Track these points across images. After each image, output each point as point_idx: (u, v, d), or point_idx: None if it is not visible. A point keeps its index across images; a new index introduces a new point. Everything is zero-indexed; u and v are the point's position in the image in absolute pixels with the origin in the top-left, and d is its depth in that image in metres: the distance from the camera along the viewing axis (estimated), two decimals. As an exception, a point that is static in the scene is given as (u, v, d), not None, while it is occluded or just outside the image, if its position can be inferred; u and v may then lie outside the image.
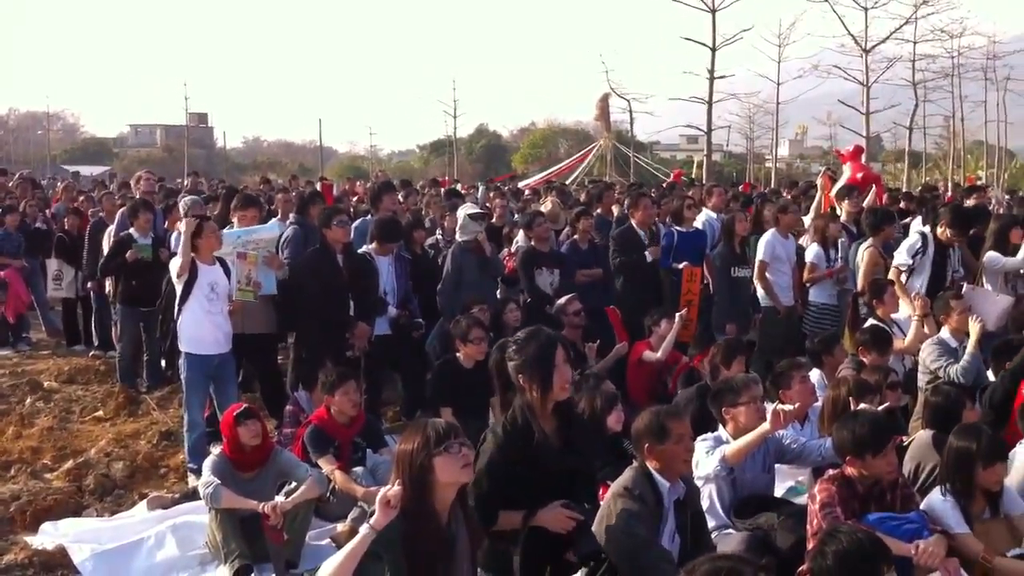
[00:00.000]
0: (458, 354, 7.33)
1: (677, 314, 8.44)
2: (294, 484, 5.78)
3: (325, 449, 6.26)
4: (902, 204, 14.09)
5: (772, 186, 27.77)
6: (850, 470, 4.63)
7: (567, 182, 26.79)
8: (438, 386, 7.28)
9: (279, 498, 5.68)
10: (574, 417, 4.56)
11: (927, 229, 8.75)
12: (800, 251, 9.77)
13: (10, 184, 14.78)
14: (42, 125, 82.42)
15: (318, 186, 18.11)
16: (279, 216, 10.36)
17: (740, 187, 22.51)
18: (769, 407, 5.38)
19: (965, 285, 8.12)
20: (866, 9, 36.00)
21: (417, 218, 10.95)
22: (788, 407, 5.13)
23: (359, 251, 8.34)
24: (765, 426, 5.05)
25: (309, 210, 9.12)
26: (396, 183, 16.18)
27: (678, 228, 9.88)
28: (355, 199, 16.22)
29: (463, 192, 18.07)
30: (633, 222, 9.74)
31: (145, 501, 6.65)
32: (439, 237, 10.82)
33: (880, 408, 5.44)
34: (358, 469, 6.27)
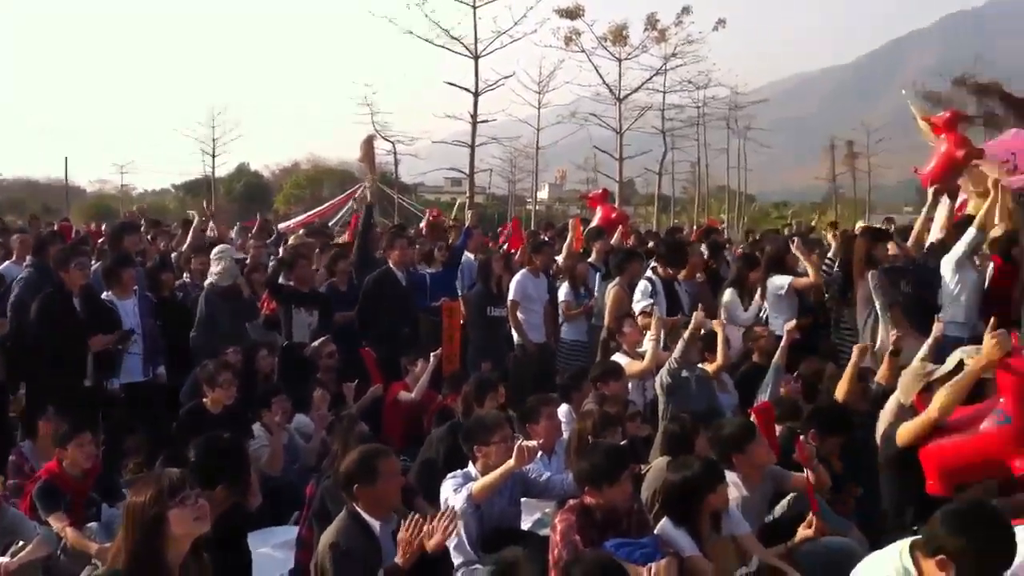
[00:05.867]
0: (205, 400, 7.07)
1: (432, 354, 8.50)
2: (21, 543, 5.40)
3: (56, 505, 5.85)
4: (650, 244, 14.78)
5: (532, 228, 28.51)
6: (589, 500, 4.80)
7: (330, 223, 26.48)
8: (182, 435, 6.95)
9: (3, 559, 5.28)
10: None
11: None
12: (553, 290, 10.09)
13: None
14: None
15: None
16: (14, 258, 9.74)
17: (501, 229, 22.93)
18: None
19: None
20: (620, 60, 38.17)
21: (165, 260, 10.53)
22: (532, 443, 5.27)
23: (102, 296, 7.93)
24: (510, 463, 5.16)
25: (47, 251, 8.61)
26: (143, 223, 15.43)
27: (429, 269, 10.00)
28: (101, 240, 15.35)
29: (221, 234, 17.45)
30: (390, 263, 9.74)
31: None
32: (187, 280, 10.39)
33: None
34: (92, 525, 5.92)
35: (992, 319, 5.33)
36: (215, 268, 8.91)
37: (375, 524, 4.49)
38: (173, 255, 11.80)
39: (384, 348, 9.17)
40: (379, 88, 41.62)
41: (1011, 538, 3.41)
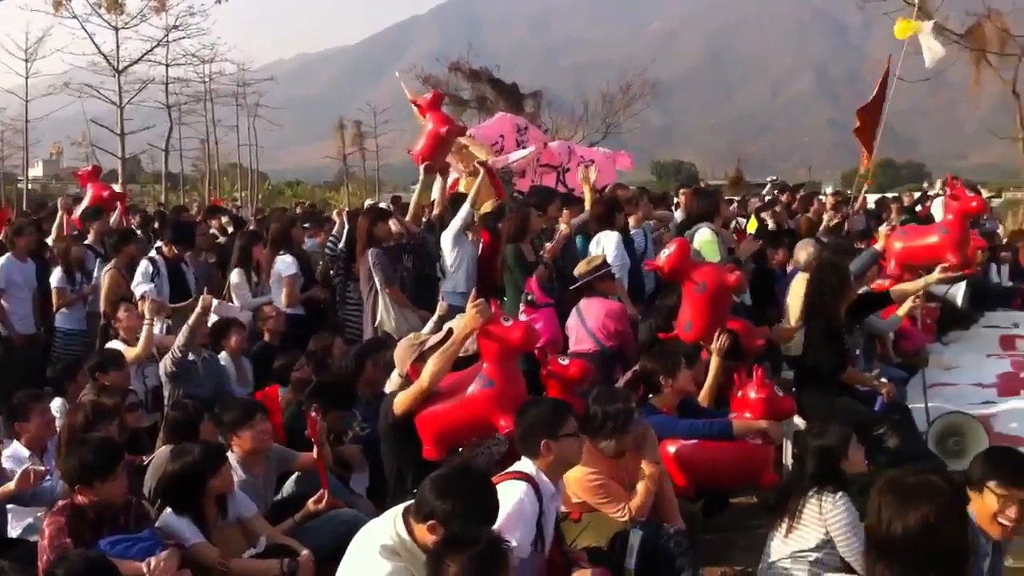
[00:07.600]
0: None
1: None
2: None
3: None
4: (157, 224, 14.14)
5: (24, 208, 26.17)
6: (80, 498, 4.48)
7: None
8: None
9: None
10: None
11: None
12: (41, 275, 9.32)
13: None
14: None
15: None
16: None
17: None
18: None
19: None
20: (117, 29, 36.00)
21: None
22: (41, 468, 4.93)
23: None
24: (9, 486, 4.79)
25: None
26: None
27: None
28: None
29: None
30: None
31: None
32: None
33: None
34: None
35: (474, 289, 5.75)
36: None
37: None
38: None
39: None
40: None
41: (493, 498, 3.69)
